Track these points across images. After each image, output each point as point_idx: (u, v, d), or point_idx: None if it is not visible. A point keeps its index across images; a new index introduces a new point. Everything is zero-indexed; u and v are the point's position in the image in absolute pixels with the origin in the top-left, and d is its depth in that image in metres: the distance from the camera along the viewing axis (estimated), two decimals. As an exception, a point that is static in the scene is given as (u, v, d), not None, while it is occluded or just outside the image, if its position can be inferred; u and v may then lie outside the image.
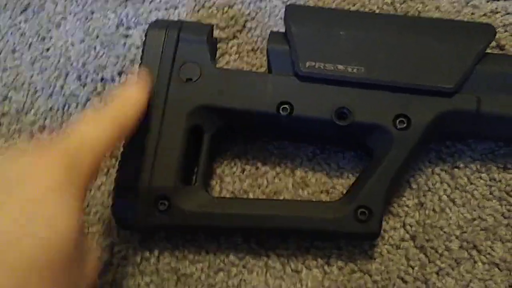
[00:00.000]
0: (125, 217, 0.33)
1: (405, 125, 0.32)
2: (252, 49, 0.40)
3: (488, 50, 0.38)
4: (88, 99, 0.39)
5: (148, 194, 0.32)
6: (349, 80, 0.33)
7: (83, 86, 0.39)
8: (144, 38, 0.35)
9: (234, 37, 0.40)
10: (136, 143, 0.33)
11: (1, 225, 0.22)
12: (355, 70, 0.33)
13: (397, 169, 0.32)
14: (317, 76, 0.33)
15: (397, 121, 0.32)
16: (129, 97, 0.31)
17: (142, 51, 0.35)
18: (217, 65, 0.39)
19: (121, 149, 0.34)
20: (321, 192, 0.36)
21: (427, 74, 0.33)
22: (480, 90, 0.33)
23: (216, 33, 0.40)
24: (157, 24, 0.36)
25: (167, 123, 0.34)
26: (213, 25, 0.37)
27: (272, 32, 0.36)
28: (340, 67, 0.33)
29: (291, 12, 0.35)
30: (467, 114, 0.32)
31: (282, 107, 0.33)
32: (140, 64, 0.35)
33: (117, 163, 0.34)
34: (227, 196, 0.36)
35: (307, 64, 0.34)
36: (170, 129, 0.34)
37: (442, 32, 0.34)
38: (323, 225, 0.32)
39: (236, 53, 0.40)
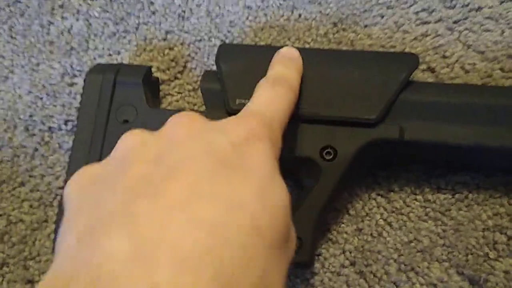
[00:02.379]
0: None
1: (332, 156, 0.33)
2: (193, 89, 0.41)
3: (419, 73, 0.40)
4: (36, 149, 0.40)
5: None
6: None
7: (31, 137, 0.41)
8: (84, 83, 0.37)
9: (176, 78, 0.42)
10: None
11: (240, 195, 0.22)
12: None
13: (326, 199, 0.33)
14: None
15: (324, 152, 0.34)
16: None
17: (81, 95, 0.37)
18: (161, 106, 0.40)
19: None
20: (264, 224, 0.37)
21: (351, 105, 0.34)
22: (403, 119, 0.34)
23: (158, 75, 0.41)
24: (96, 69, 0.38)
25: None
26: (150, 67, 0.39)
27: (205, 72, 0.38)
28: None
29: (222, 51, 0.37)
30: (391, 142, 0.33)
31: None
32: (79, 108, 0.36)
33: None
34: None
35: (237, 101, 0.35)
36: None
37: (365, 64, 0.35)
38: None
39: (178, 93, 0.41)
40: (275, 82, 0.31)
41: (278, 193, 0.24)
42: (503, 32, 0.40)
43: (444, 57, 0.40)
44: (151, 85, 0.38)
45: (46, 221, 0.38)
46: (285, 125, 0.29)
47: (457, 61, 0.40)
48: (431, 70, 0.40)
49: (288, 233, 0.24)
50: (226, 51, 0.37)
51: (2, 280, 0.37)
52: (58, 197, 0.39)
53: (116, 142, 0.35)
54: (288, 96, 0.30)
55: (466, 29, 0.41)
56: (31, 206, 0.39)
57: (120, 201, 0.21)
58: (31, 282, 0.37)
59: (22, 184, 0.39)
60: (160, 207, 0.21)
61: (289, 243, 0.25)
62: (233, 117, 0.27)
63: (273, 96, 0.30)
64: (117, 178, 0.23)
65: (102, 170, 0.25)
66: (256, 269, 0.21)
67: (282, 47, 0.40)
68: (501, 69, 0.39)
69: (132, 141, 0.26)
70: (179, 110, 0.40)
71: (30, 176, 0.40)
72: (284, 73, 0.32)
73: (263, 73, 0.35)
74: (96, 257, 0.19)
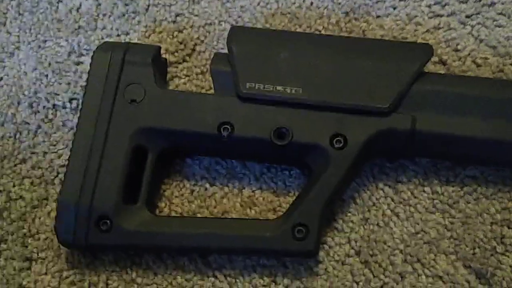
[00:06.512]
0: (67, 236, 0.33)
1: (341, 144, 0.33)
2: (201, 72, 0.41)
3: (431, 65, 0.39)
4: (39, 126, 0.39)
5: (89, 213, 0.33)
6: (287, 100, 0.34)
7: (35, 114, 0.40)
8: (91, 60, 0.36)
9: (184, 60, 0.41)
10: (79, 162, 0.34)
11: None
12: (293, 91, 0.34)
13: (334, 187, 0.32)
14: (257, 97, 0.34)
15: (334, 140, 0.33)
16: None
17: (88, 72, 0.36)
18: (168, 88, 0.40)
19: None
20: (269, 210, 0.36)
21: (363, 94, 0.33)
22: (416, 109, 0.33)
23: (166, 57, 0.41)
24: (104, 47, 0.37)
25: (110, 143, 0.34)
26: (160, 47, 0.38)
27: (216, 54, 0.37)
28: (279, 88, 0.34)
29: (234, 33, 0.36)
30: (402, 133, 0.33)
31: (223, 127, 0.34)
32: (85, 85, 0.36)
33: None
34: (176, 217, 0.37)
35: (248, 85, 0.34)
36: (113, 149, 0.34)
37: (378, 53, 0.35)
38: (261, 243, 0.32)
39: (185, 76, 0.41)
40: None
41: None
42: (516, 27, 0.40)
43: (456, 50, 0.40)
44: (160, 66, 0.38)
45: (46, 198, 0.38)
46: None
47: (469, 54, 0.40)
48: (443, 62, 0.40)
49: None
50: (238, 34, 0.36)
51: (0, 257, 0.36)
52: (60, 175, 0.38)
53: (123, 121, 0.35)
54: None
55: (478, 23, 0.41)
56: (32, 183, 0.38)
57: None
58: (29, 259, 0.36)
59: (23, 161, 0.39)
60: None
61: None
62: None
63: None
64: None
65: None
66: None
67: (294, 32, 0.40)
68: (513, 64, 0.39)
69: None
70: (186, 92, 0.39)
71: (32, 153, 0.39)
72: None
73: (275, 58, 0.35)
74: None
